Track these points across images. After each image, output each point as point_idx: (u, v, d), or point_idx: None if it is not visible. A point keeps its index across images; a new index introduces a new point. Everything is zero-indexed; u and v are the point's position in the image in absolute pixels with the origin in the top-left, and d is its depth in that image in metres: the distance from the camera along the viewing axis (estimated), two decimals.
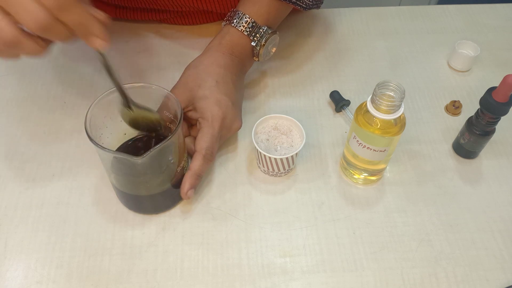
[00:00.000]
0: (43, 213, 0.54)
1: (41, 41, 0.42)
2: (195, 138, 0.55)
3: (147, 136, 0.54)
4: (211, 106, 0.54)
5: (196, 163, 0.52)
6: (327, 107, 0.66)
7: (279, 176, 0.57)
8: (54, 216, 0.54)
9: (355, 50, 0.73)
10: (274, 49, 0.64)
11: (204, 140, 0.53)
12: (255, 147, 0.54)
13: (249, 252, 0.52)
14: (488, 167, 0.60)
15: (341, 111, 0.65)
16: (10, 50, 0.41)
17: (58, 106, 0.64)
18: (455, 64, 0.71)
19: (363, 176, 0.57)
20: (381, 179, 0.58)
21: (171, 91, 0.56)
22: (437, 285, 0.50)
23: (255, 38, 0.60)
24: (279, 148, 0.56)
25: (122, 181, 0.51)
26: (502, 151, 0.61)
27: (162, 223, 0.53)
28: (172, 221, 0.54)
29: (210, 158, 0.53)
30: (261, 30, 0.60)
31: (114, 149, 0.52)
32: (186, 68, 0.59)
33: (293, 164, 0.57)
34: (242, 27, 0.60)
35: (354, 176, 0.57)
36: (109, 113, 0.49)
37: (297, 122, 0.57)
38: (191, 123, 0.59)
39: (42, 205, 0.55)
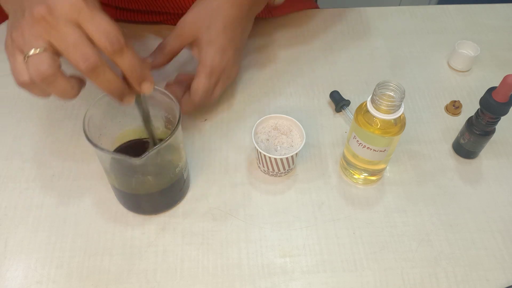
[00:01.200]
0: (43, 213, 0.54)
1: (76, 84, 0.41)
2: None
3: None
4: (214, 53, 0.55)
5: (186, 106, 0.56)
6: (327, 107, 0.66)
7: (279, 176, 0.57)
8: (54, 216, 0.54)
9: (355, 50, 0.73)
10: None
11: (199, 90, 0.55)
12: (255, 147, 0.54)
13: (249, 252, 0.52)
14: (488, 167, 0.60)
15: (341, 111, 0.65)
16: (43, 85, 0.40)
17: (58, 106, 0.64)
18: (455, 64, 0.71)
19: (363, 176, 0.57)
20: (381, 179, 0.58)
21: (181, 21, 0.56)
22: (437, 285, 0.50)
23: None
24: (279, 148, 0.56)
25: (121, 182, 0.51)
26: (502, 151, 0.61)
27: (162, 223, 0.53)
28: (172, 221, 0.54)
29: (199, 106, 0.57)
30: None
31: (113, 150, 0.52)
32: (197, 1, 0.58)
33: (293, 164, 0.57)
34: None
35: (354, 176, 0.57)
36: (108, 113, 0.49)
37: (297, 122, 0.57)
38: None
39: (42, 205, 0.55)
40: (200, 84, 0.56)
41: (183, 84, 0.59)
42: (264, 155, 0.54)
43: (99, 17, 0.39)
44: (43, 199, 0.55)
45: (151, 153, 0.44)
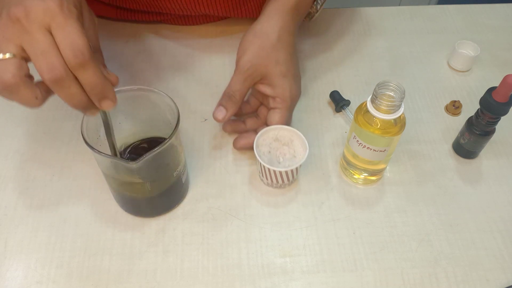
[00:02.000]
0: (43, 213, 0.54)
1: (39, 94, 0.40)
2: (255, 109, 0.58)
3: (147, 140, 0.54)
4: (289, 85, 0.55)
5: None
6: (327, 107, 0.66)
7: (282, 188, 0.56)
8: (54, 216, 0.54)
9: (355, 50, 0.73)
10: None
11: (281, 122, 0.55)
12: (258, 160, 0.53)
13: (249, 252, 0.52)
14: (488, 167, 0.60)
15: (341, 111, 0.65)
16: (5, 93, 0.38)
17: (58, 106, 0.64)
18: (455, 64, 0.71)
19: (363, 176, 0.57)
20: (381, 179, 0.58)
21: (242, 60, 0.54)
22: (437, 285, 0.50)
23: None
24: (281, 159, 0.55)
25: (120, 185, 0.50)
26: (502, 151, 0.61)
27: (162, 223, 0.53)
28: (172, 221, 0.54)
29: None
30: None
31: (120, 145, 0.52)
32: (253, 35, 0.55)
33: (296, 175, 0.56)
34: None
35: (354, 176, 0.57)
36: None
37: (298, 132, 0.55)
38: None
39: (42, 205, 0.55)
40: (283, 119, 0.55)
41: (239, 122, 0.59)
42: (268, 168, 0.53)
43: (70, 26, 0.38)
44: (43, 199, 0.55)
45: (147, 157, 0.43)
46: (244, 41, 0.56)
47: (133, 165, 0.43)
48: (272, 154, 0.55)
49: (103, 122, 0.45)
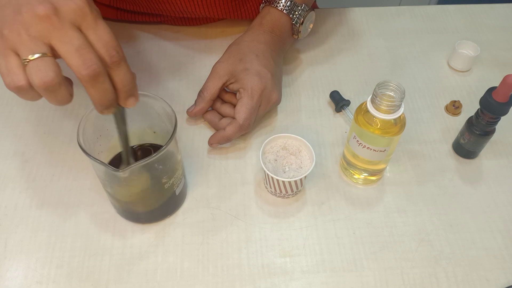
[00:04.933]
0: (43, 213, 0.54)
1: (72, 90, 0.40)
2: (233, 106, 0.60)
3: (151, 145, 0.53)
4: (251, 77, 0.58)
5: (231, 129, 0.57)
6: (327, 107, 0.66)
7: (286, 197, 0.56)
8: (54, 216, 0.54)
9: (355, 50, 0.73)
10: (311, 26, 0.68)
11: (243, 110, 0.57)
12: (262, 167, 0.53)
13: (249, 252, 0.52)
14: (488, 167, 0.60)
15: (341, 111, 0.65)
16: (44, 93, 0.38)
17: (58, 106, 0.64)
18: (455, 64, 0.71)
19: (363, 176, 0.57)
20: (381, 179, 0.58)
21: (214, 65, 0.60)
22: (437, 285, 0.50)
23: (294, 16, 0.63)
24: (287, 169, 0.54)
25: (115, 191, 0.50)
26: (502, 151, 0.61)
27: (162, 223, 0.53)
28: (172, 221, 0.54)
29: (245, 128, 0.58)
30: (299, 8, 0.64)
31: (116, 153, 0.51)
32: (228, 46, 0.63)
33: (301, 186, 0.55)
34: (281, 7, 0.63)
35: (354, 176, 0.57)
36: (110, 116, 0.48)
37: (307, 143, 0.55)
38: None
39: (42, 205, 0.55)
40: (243, 105, 0.57)
41: (217, 114, 0.62)
42: (272, 177, 0.52)
43: (102, 27, 0.39)
44: (43, 199, 0.55)
45: (133, 167, 0.42)
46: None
47: (120, 173, 0.42)
48: (278, 163, 0.55)
49: (117, 119, 0.44)
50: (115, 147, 0.50)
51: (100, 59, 0.38)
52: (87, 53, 0.37)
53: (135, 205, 0.52)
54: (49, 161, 0.58)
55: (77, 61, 0.37)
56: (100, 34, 0.38)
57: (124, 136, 0.45)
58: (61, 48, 0.37)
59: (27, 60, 0.37)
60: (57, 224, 0.53)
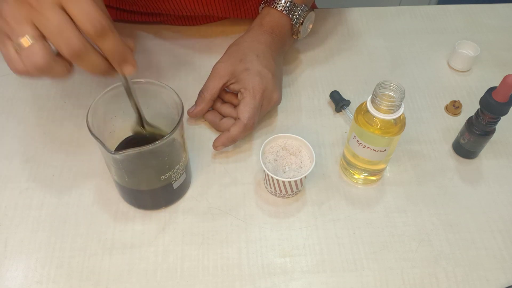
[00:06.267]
0: (43, 213, 0.54)
1: (67, 64, 0.42)
2: (234, 106, 0.60)
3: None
4: (252, 77, 0.58)
5: (235, 129, 0.56)
6: (327, 107, 0.66)
7: (286, 197, 0.56)
8: (54, 216, 0.54)
9: (355, 50, 0.73)
10: (311, 26, 0.68)
11: (246, 110, 0.57)
12: (262, 167, 0.53)
13: (249, 252, 0.52)
14: (488, 167, 0.60)
15: (341, 111, 0.65)
16: (41, 74, 0.41)
17: (58, 106, 0.64)
18: (455, 64, 0.71)
19: (363, 176, 0.57)
20: (381, 179, 0.58)
21: (215, 66, 0.60)
22: (437, 285, 0.50)
23: (293, 17, 0.64)
24: (287, 169, 0.54)
25: (121, 175, 0.50)
26: (502, 151, 0.61)
27: (162, 223, 0.53)
28: (172, 221, 0.54)
29: (250, 128, 0.57)
30: (299, 8, 0.64)
31: (127, 136, 0.52)
32: (228, 47, 0.63)
33: (301, 186, 0.55)
34: (281, 7, 0.63)
35: (354, 176, 0.57)
36: (123, 101, 0.48)
37: (307, 143, 0.55)
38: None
39: (42, 205, 0.55)
40: (246, 105, 0.57)
41: (218, 114, 0.62)
42: (272, 177, 0.52)
43: (84, 0, 0.39)
44: (43, 199, 0.55)
45: (129, 153, 0.43)
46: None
47: (116, 156, 0.44)
48: (278, 163, 0.55)
49: (125, 88, 0.46)
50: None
51: (85, 32, 0.39)
52: (67, 32, 0.38)
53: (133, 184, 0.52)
54: (49, 161, 0.58)
55: (57, 41, 0.39)
56: (81, 7, 0.39)
57: (133, 105, 0.48)
58: (43, 30, 0.39)
59: (20, 49, 0.39)
60: (57, 224, 0.53)
